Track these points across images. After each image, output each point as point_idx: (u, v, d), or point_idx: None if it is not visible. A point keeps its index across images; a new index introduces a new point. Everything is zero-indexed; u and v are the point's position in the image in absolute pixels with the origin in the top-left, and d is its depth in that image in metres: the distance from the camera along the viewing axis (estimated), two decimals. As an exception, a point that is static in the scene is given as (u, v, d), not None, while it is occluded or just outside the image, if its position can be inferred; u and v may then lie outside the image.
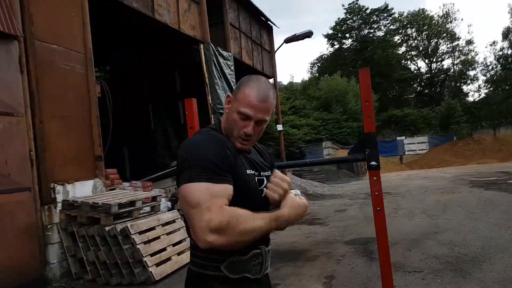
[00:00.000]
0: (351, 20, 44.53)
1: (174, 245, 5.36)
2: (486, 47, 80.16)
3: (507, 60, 36.54)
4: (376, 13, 43.98)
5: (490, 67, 39.88)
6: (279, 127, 15.07)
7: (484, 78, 40.41)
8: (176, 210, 6.33)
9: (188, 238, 1.39)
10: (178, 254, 5.30)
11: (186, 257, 5.14)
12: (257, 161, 1.48)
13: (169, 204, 7.55)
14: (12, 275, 4.45)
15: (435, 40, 45.01)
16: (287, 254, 5.71)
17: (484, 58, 63.78)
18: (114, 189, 6.35)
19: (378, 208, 2.14)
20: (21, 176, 4.77)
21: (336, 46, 46.36)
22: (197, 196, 1.21)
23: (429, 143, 31.07)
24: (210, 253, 1.28)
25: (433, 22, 44.51)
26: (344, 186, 17.37)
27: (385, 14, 44.37)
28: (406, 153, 30.64)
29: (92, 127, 5.97)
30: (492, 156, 25.66)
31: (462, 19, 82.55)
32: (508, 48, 37.46)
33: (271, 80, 16.14)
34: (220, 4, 10.74)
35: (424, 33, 45.10)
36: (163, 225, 5.45)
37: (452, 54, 44.85)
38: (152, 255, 4.86)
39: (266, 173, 1.47)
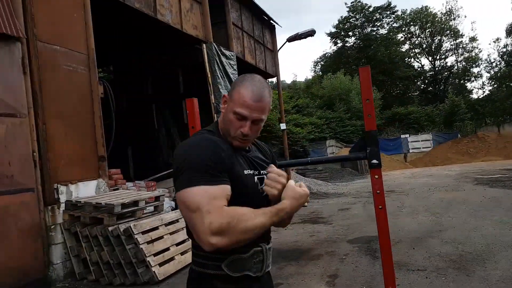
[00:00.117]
0: (354, 18, 44.42)
1: (177, 244, 5.36)
2: (489, 44, 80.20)
3: (511, 56, 36.25)
4: (379, 11, 43.84)
5: (494, 64, 39.56)
6: (283, 126, 15.03)
7: (488, 75, 40.07)
8: (179, 209, 6.32)
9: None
10: (182, 253, 5.30)
11: (189, 257, 5.08)
12: (256, 160, 1.47)
13: (172, 203, 7.55)
14: (16, 275, 4.48)
15: (439, 38, 44.74)
16: (290, 253, 5.70)
17: (488, 55, 63.21)
18: (117, 189, 6.36)
19: (380, 207, 2.13)
20: (25, 177, 4.80)
21: (339, 45, 46.30)
22: (196, 200, 1.21)
23: (433, 141, 30.88)
24: (211, 252, 1.28)
25: (436, 19, 44.26)
26: (348, 184, 17.34)
27: (388, 12, 44.21)
28: (411, 151, 30.47)
29: (95, 127, 5.99)
30: (496, 153, 25.54)
31: (465, 16, 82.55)
32: (512, 44, 37.19)
33: (274, 79, 16.15)
34: (222, 3, 10.73)
35: (427, 30, 44.85)
36: (166, 224, 5.44)
37: (455, 52, 44.61)
38: (155, 255, 4.87)
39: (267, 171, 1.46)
